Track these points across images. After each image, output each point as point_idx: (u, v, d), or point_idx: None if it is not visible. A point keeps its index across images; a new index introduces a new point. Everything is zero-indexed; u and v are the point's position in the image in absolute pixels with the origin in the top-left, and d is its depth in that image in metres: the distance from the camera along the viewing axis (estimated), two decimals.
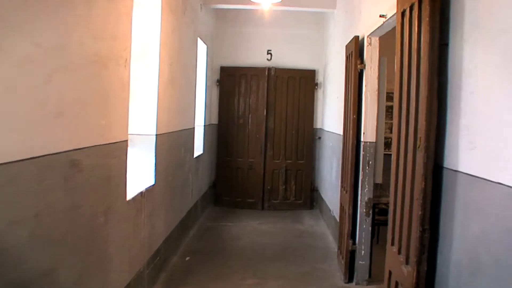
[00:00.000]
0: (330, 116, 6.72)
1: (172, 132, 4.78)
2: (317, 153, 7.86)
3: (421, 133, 2.34)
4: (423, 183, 2.25)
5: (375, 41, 4.19)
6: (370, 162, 4.31)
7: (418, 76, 2.43)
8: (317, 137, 7.79)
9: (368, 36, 4.19)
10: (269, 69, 7.61)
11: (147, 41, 4.10)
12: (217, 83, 7.72)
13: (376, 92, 4.22)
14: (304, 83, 7.68)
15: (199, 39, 6.24)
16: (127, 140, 3.36)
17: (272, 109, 7.67)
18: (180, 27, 5.00)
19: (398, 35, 2.80)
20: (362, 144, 4.33)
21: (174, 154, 4.99)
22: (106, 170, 2.94)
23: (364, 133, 4.29)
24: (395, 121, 2.83)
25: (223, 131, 7.78)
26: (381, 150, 4.32)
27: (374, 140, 4.28)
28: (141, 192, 3.83)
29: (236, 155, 7.78)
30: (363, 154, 4.32)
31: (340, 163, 5.26)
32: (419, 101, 2.41)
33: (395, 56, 2.85)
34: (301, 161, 7.79)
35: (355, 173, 4.44)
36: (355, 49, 4.27)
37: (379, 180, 4.41)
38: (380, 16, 3.46)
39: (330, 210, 6.43)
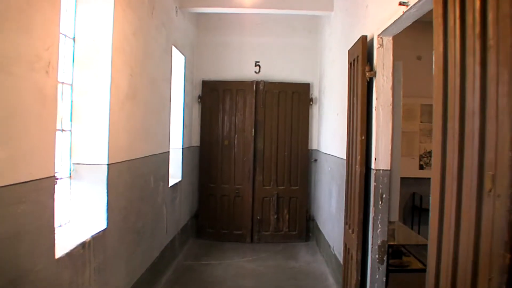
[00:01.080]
0: (329, 136, 5.80)
1: (134, 159, 3.83)
2: (313, 178, 6.91)
3: (495, 169, 1.42)
4: (510, 256, 1.31)
5: (388, 41, 3.31)
6: (384, 196, 3.38)
7: (484, 76, 1.52)
8: (312, 160, 6.86)
9: (379, 36, 3.31)
10: (257, 83, 6.71)
11: (95, 43, 3.18)
12: (199, 100, 6.80)
13: (390, 106, 3.32)
14: (297, 98, 6.78)
15: (174, 48, 5.34)
16: (53, 176, 2.40)
17: (261, 128, 6.75)
18: (146, 30, 4.10)
19: (438, 21, 1.90)
20: (373, 172, 3.40)
21: (139, 186, 4.03)
22: (9, 224, 1.98)
23: (375, 159, 3.37)
24: (436, 148, 1.91)
25: (205, 154, 6.83)
26: (397, 180, 3.40)
27: (388, 168, 3.36)
28: (84, 243, 2.87)
29: (221, 181, 6.82)
30: (374, 186, 3.39)
31: (343, 192, 4.34)
32: (486, 117, 1.50)
33: (433, 52, 1.94)
34: (295, 187, 6.84)
35: (365, 209, 3.51)
36: (363, 53, 3.38)
37: (395, 217, 3.48)
38: (400, 3, 2.58)
39: (329, 246, 5.47)
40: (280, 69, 6.78)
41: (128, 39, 3.57)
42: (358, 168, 3.50)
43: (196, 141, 6.83)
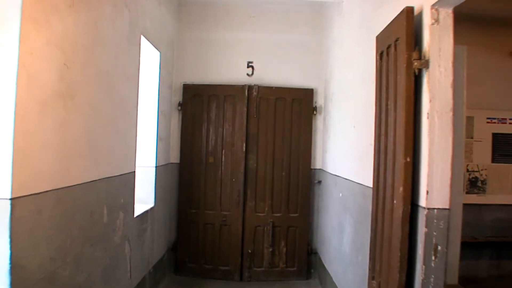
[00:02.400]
0: (339, 153, 4.65)
1: (70, 186, 2.64)
2: (316, 203, 5.75)
3: None
4: None
5: (447, 15, 2.18)
6: (439, 248, 2.22)
7: None
8: (316, 181, 5.70)
9: (432, 7, 2.18)
10: (250, 87, 5.58)
11: None
12: (179, 107, 5.64)
13: (451, 113, 2.18)
14: (297, 106, 5.65)
15: (144, 39, 4.20)
16: None
17: (254, 143, 5.60)
18: (94, 4, 2.95)
19: None
20: (423, 212, 2.25)
21: (81, 224, 2.84)
22: None
23: (428, 192, 2.22)
24: None
25: (186, 173, 5.64)
26: (459, 226, 2.24)
27: (447, 206, 2.22)
28: None
29: (205, 206, 5.63)
30: (425, 232, 2.23)
31: (364, 231, 3.19)
32: None
33: None
34: (294, 214, 5.66)
35: (409, 265, 2.35)
36: (407, 33, 2.25)
37: (453, 279, 2.31)
38: None
39: None
40: (278, 71, 5.66)
41: (58, 10, 2.41)
42: (398, 205, 2.34)
43: (175, 157, 5.66)
